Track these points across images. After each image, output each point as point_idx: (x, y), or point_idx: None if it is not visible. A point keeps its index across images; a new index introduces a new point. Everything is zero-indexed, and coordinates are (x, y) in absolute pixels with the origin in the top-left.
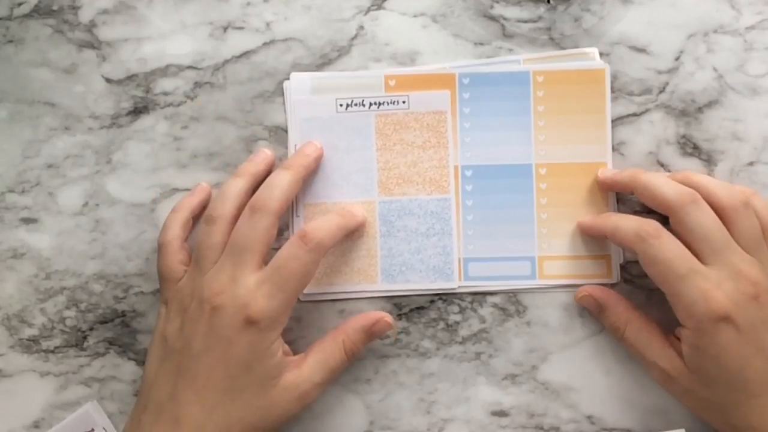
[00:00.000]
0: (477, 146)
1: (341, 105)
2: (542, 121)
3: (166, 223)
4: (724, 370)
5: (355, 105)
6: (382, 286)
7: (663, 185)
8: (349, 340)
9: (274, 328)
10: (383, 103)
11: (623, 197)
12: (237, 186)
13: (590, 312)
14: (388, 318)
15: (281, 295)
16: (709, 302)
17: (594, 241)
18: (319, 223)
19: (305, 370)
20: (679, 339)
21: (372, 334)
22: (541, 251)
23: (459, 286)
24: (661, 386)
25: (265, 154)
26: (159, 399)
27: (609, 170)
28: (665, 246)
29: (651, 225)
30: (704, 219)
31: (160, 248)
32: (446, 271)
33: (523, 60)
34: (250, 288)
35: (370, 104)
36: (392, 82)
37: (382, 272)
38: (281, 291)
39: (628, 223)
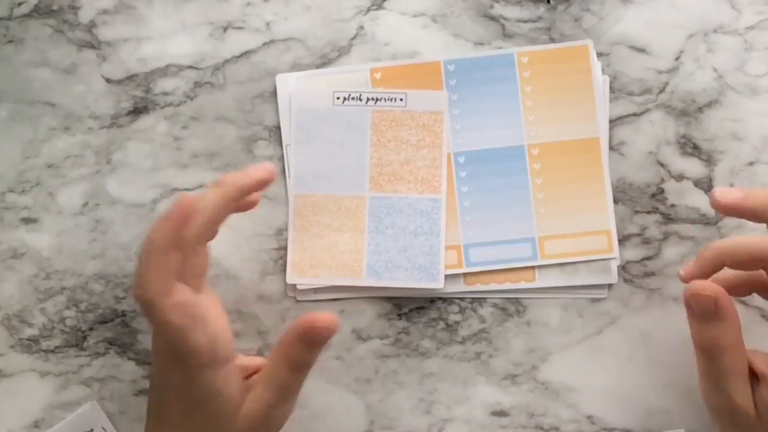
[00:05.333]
0: (468, 132)
1: (338, 98)
2: (531, 101)
3: None
4: None
5: (352, 99)
6: (367, 281)
7: None
8: (289, 354)
9: (214, 364)
10: (380, 99)
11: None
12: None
13: (693, 312)
14: (322, 321)
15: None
16: None
17: (592, 216)
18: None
19: (257, 392)
20: (756, 377)
21: (311, 342)
22: (540, 231)
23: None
24: (716, 417)
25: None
26: (149, 425)
27: (728, 191)
28: None
29: None
30: None
31: None
32: (432, 272)
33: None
34: None
35: (368, 99)
36: (378, 75)
37: (367, 268)
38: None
39: None
